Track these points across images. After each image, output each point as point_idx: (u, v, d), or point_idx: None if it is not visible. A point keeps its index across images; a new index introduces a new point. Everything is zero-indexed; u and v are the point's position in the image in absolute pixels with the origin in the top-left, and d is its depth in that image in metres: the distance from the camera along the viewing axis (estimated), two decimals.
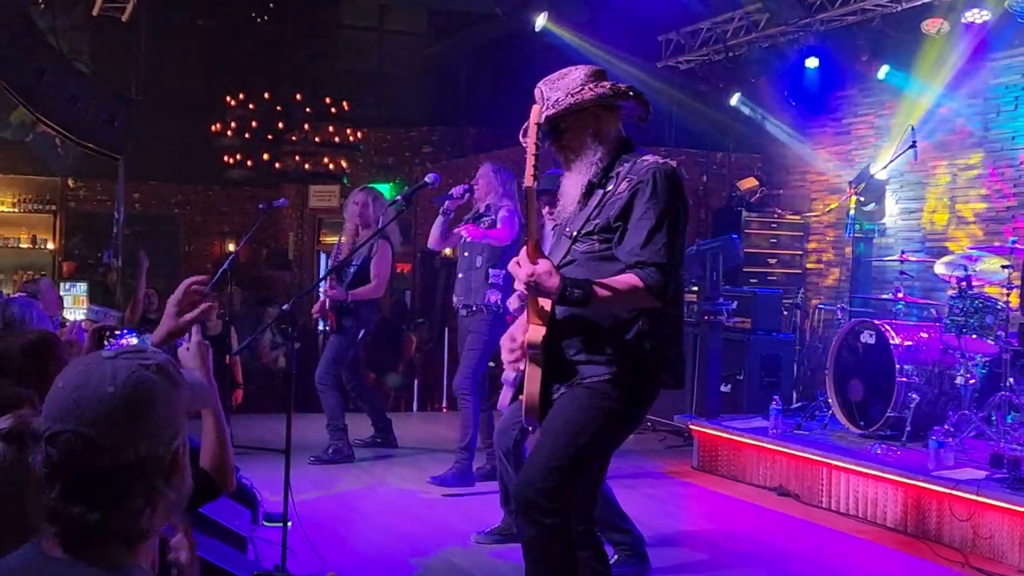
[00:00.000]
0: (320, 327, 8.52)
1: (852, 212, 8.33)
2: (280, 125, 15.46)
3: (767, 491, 7.23)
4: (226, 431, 2.96)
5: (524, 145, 3.79)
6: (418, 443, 8.45)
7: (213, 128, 15.41)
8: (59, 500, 1.73)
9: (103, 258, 15.29)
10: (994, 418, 6.64)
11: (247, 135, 15.41)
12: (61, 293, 8.87)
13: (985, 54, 8.98)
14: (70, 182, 15.69)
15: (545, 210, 5.27)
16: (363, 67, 17.71)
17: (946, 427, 6.51)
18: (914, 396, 6.89)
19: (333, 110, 15.79)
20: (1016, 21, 8.35)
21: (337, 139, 15.71)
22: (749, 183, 10.54)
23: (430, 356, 12.58)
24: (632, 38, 11.27)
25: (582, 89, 3.62)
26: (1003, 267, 6.78)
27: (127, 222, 12.17)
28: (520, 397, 3.69)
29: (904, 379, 6.94)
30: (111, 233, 12.37)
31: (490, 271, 6.88)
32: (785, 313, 9.69)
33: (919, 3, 8.93)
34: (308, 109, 15.65)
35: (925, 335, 7.22)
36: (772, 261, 10.74)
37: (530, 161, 3.45)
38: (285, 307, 4.61)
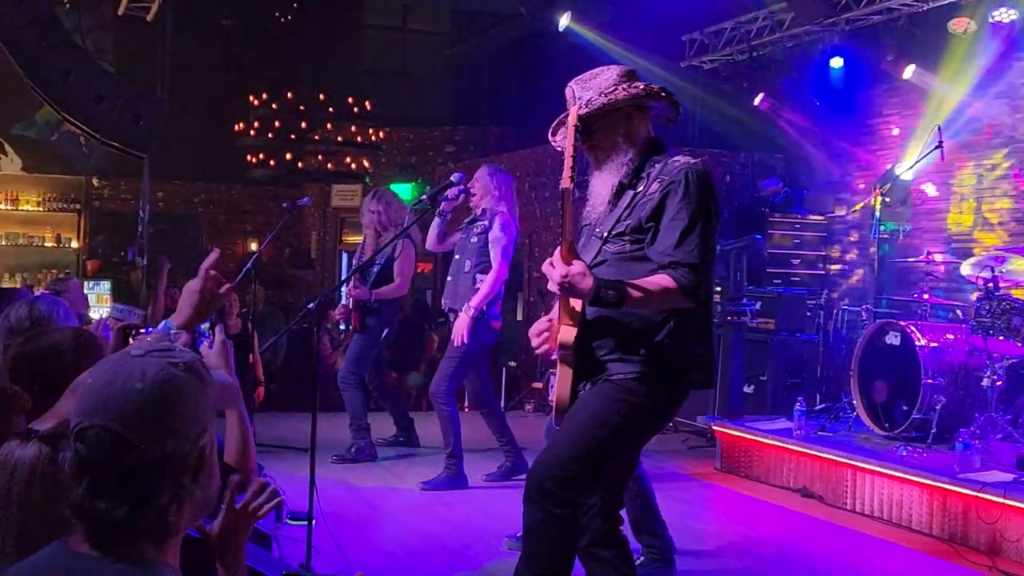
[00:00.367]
0: (341, 327, 8.53)
1: (877, 213, 8.28)
2: (303, 124, 15.49)
3: (791, 493, 7.20)
4: (249, 429, 2.96)
5: (553, 144, 3.80)
6: (440, 442, 8.42)
7: (236, 127, 15.45)
8: (87, 496, 1.74)
9: (127, 256, 15.38)
10: (1021, 420, 6.60)
11: (270, 134, 15.44)
12: (85, 292, 8.91)
13: (1012, 53, 8.91)
14: (94, 181, 15.75)
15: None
16: (386, 67, 17.71)
17: (972, 429, 6.46)
18: (940, 398, 6.84)
19: (356, 109, 15.80)
20: None
21: (359, 138, 15.73)
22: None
23: None
24: (655, 38, 11.24)
25: (615, 89, 3.62)
26: None
27: (150, 221, 12.21)
28: (551, 399, 3.70)
29: (930, 381, 6.90)
30: (135, 232, 12.43)
31: (477, 276, 6.83)
32: (808, 314, 9.64)
33: (945, 2, 8.86)
34: (331, 108, 15.68)
35: (951, 336, 7.17)
36: (795, 261, 10.69)
37: (568, 163, 3.45)
38: (311, 305, 4.62)
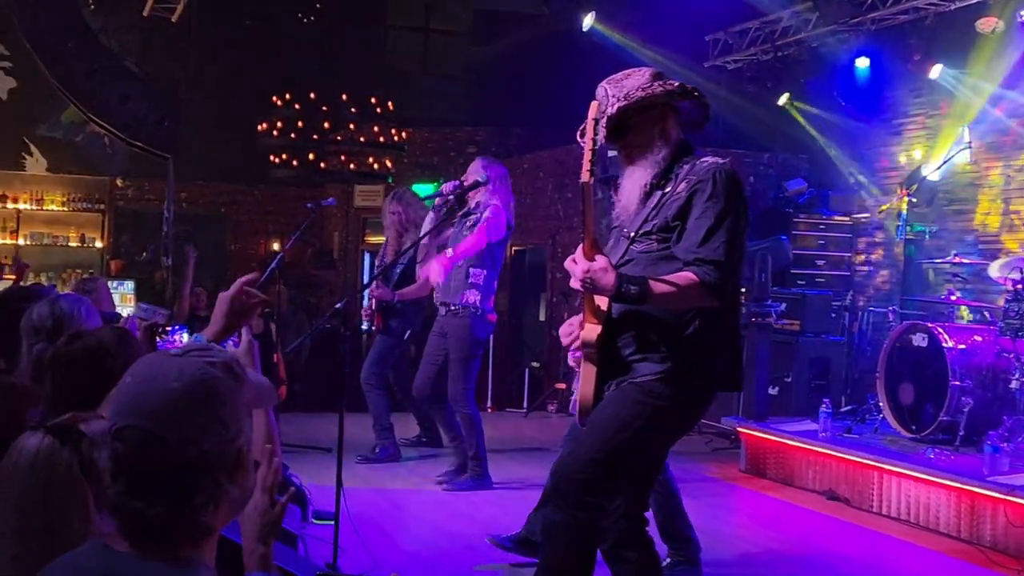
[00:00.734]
0: (364, 327, 8.53)
1: (904, 213, 8.23)
2: (326, 125, 15.50)
3: (816, 495, 7.16)
4: (275, 427, 2.97)
5: (581, 144, 3.78)
6: None
7: (259, 128, 15.48)
8: (124, 494, 1.74)
9: (147, 254, 15.46)
10: None
11: (293, 135, 15.46)
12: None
13: None
14: (119, 181, 15.80)
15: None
16: (408, 67, 17.72)
17: (1001, 431, 6.40)
18: (967, 400, 6.79)
19: (378, 110, 15.80)
20: None
21: (382, 139, 15.73)
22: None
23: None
24: (680, 38, 11.21)
25: (651, 85, 3.61)
26: None
27: (173, 221, 12.26)
28: (573, 397, 3.68)
29: (957, 383, 6.85)
30: (160, 232, 12.49)
31: (470, 270, 6.76)
32: (833, 315, 9.60)
33: (973, 2, 8.80)
34: (353, 109, 15.68)
35: (979, 338, 7.12)
36: (820, 263, 10.63)
37: (587, 156, 3.45)
38: (338, 305, 4.62)
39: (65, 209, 15.24)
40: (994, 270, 7.30)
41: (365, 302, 8.07)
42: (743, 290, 8.56)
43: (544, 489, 5.13)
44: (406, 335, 7.93)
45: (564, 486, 3.57)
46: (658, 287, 3.39)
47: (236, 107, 15.29)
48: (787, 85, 10.96)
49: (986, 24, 8.70)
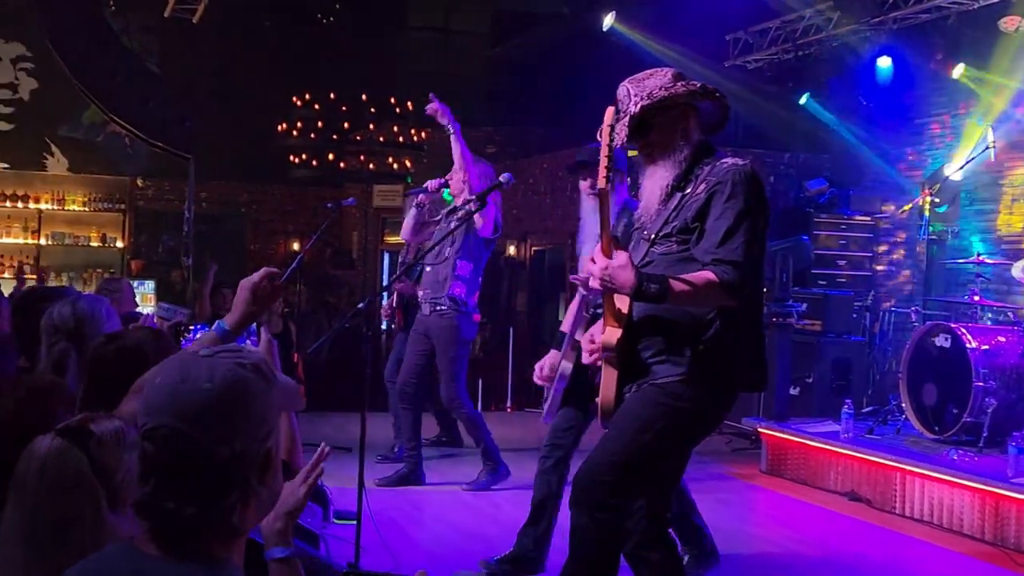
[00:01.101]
0: (384, 325, 8.55)
1: (926, 214, 8.18)
2: (345, 125, 15.54)
3: (838, 496, 7.13)
4: (295, 425, 2.98)
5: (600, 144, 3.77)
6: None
7: (279, 128, 15.53)
8: (153, 495, 1.74)
9: (162, 249, 15.54)
10: None
11: (312, 135, 15.50)
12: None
13: None
14: (139, 181, 15.89)
15: (586, 183, 5.11)
16: (428, 67, 17.74)
17: None
18: (991, 401, 6.74)
19: (397, 110, 15.82)
20: None
21: (401, 139, 15.76)
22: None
23: (494, 356, 12.57)
24: (700, 37, 11.17)
25: (674, 85, 3.60)
26: None
27: (193, 221, 12.29)
28: (598, 400, 3.67)
29: (981, 383, 6.81)
30: (180, 232, 12.53)
31: (458, 262, 6.67)
32: (854, 315, 9.55)
33: (996, 0, 8.75)
34: (372, 109, 15.71)
35: (1003, 339, 7.07)
36: (841, 263, 10.58)
37: (603, 163, 3.43)
38: (361, 305, 4.63)
39: (86, 209, 15.32)
40: (1017, 270, 7.26)
41: (385, 300, 8.06)
42: (764, 290, 8.53)
43: (532, 500, 5.14)
44: None
45: (587, 488, 3.57)
46: (678, 285, 3.38)
47: (256, 107, 15.34)
48: (808, 85, 10.91)
49: (1009, 23, 8.65)
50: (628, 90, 3.64)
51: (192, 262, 11.41)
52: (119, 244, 15.55)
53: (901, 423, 7.50)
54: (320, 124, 15.40)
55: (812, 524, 6.60)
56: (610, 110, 3.56)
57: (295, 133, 15.54)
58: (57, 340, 3.51)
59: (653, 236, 3.64)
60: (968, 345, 6.93)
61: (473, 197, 5.89)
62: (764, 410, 8.24)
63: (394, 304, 7.78)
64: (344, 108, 15.57)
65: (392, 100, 15.80)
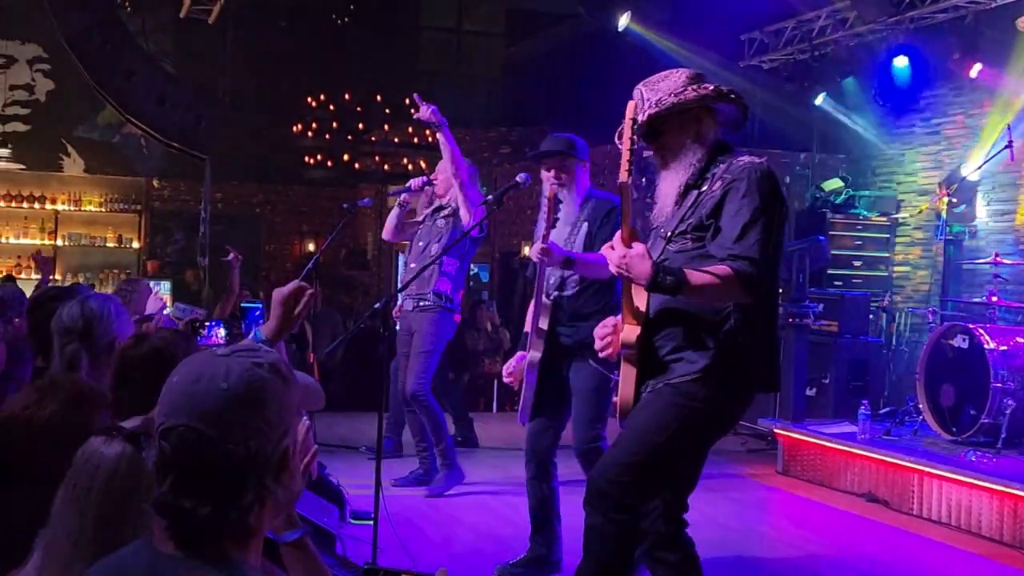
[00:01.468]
0: (398, 327, 8.54)
1: (943, 214, 8.14)
2: (360, 126, 15.55)
3: (855, 497, 7.10)
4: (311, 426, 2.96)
5: (618, 146, 3.77)
6: (500, 443, 8.43)
7: (294, 128, 15.56)
8: (170, 494, 1.74)
9: (169, 248, 15.59)
10: None
11: (327, 136, 15.52)
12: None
13: None
14: (155, 182, 15.95)
15: (550, 174, 5.07)
16: (442, 67, 17.76)
17: None
18: (1009, 402, 6.71)
19: (412, 111, 15.80)
20: None
21: (416, 139, 15.75)
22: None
23: (509, 356, 12.53)
24: (715, 37, 11.15)
25: (685, 90, 3.60)
26: None
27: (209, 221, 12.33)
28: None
29: (999, 384, 6.77)
30: (196, 232, 12.56)
31: (444, 259, 6.60)
32: (871, 316, 9.51)
33: None
34: (387, 110, 15.70)
35: (1021, 340, 7.03)
36: (857, 263, 10.53)
37: (625, 156, 3.44)
38: (377, 306, 4.62)
39: (102, 210, 15.39)
40: None
41: (400, 300, 8.05)
42: (780, 291, 8.51)
43: (529, 508, 5.17)
44: None
45: (603, 489, 3.56)
46: (694, 277, 3.38)
47: (271, 108, 15.38)
48: (824, 85, 10.87)
49: None
50: (642, 94, 3.65)
51: (208, 262, 11.43)
52: (135, 245, 15.61)
53: (918, 424, 7.47)
54: (335, 125, 15.41)
55: (828, 525, 6.57)
56: (631, 104, 3.55)
57: (310, 134, 15.55)
58: (69, 341, 3.52)
59: (669, 234, 3.65)
60: (986, 346, 6.90)
61: (489, 197, 5.87)
62: (780, 411, 8.22)
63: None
64: (359, 109, 15.58)
65: (407, 101, 15.72)
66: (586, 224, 4.92)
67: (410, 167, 15.70)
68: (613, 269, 3.46)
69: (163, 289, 13.51)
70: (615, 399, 3.69)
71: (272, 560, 2.28)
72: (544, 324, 4.89)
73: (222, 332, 5.68)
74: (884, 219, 10.61)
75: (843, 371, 8.87)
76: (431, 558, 5.32)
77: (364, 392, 10.01)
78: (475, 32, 18.34)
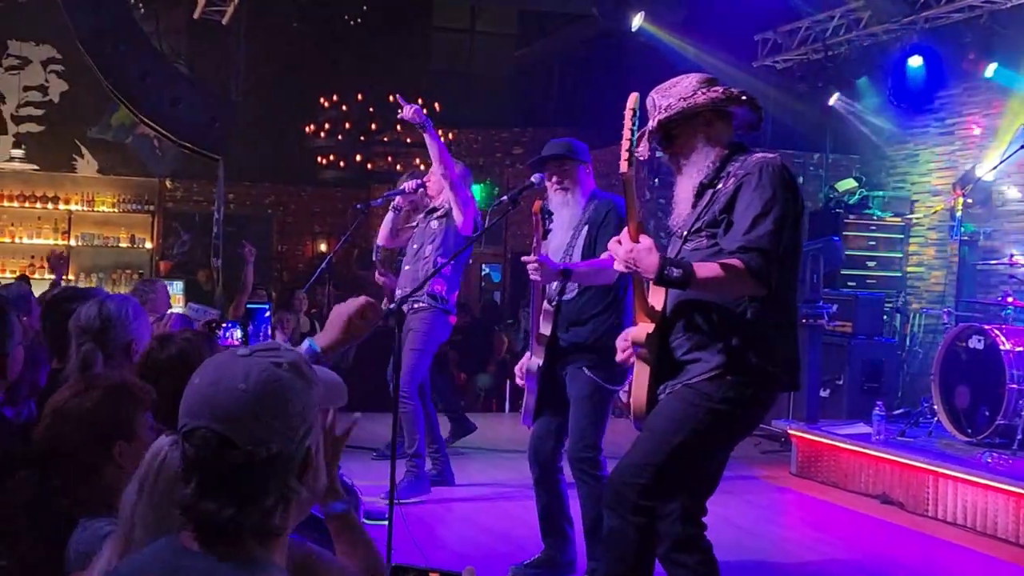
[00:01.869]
0: None
1: (958, 214, 8.11)
2: (372, 126, 15.56)
3: (869, 498, 7.08)
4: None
5: (636, 155, 3.76)
6: (513, 444, 8.42)
7: (307, 129, 15.58)
8: (194, 495, 1.74)
9: (175, 250, 15.62)
10: None
11: (340, 136, 15.53)
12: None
13: None
14: (167, 183, 15.98)
15: (554, 179, 5.04)
16: (454, 68, 17.77)
17: None
18: None
19: (425, 111, 15.82)
20: None
21: None
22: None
23: (521, 357, 12.53)
24: (728, 38, 11.12)
25: (694, 94, 3.61)
26: None
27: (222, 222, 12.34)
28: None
29: (1015, 385, 6.75)
30: (209, 232, 12.58)
31: (438, 259, 6.57)
32: (885, 317, 9.48)
33: None
34: (400, 110, 15.71)
35: None
36: (871, 264, 10.50)
37: (624, 146, 3.43)
38: (392, 307, 4.62)
39: (115, 210, 15.41)
40: None
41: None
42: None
43: (538, 512, 5.13)
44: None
45: (621, 491, 3.55)
46: (701, 270, 3.37)
47: (284, 109, 15.40)
48: (838, 85, 10.85)
49: None
50: (654, 100, 3.66)
51: (221, 263, 11.45)
52: (148, 245, 15.63)
53: (933, 425, 7.44)
54: (347, 125, 15.43)
55: (843, 526, 6.55)
56: (633, 95, 3.54)
57: (323, 134, 15.58)
58: (84, 341, 3.53)
59: (685, 233, 3.65)
60: (1002, 347, 6.87)
61: (504, 197, 5.86)
62: (794, 412, 8.20)
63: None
64: (371, 109, 15.59)
65: (419, 101, 15.77)
66: (587, 226, 4.90)
67: (422, 167, 15.68)
68: (620, 265, 3.45)
69: (175, 289, 13.56)
70: (627, 400, 3.68)
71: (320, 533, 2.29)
72: (546, 330, 4.88)
73: (239, 334, 5.69)
74: (898, 219, 10.58)
75: (857, 372, 8.84)
76: (445, 559, 5.31)
77: (377, 392, 10.00)
78: (487, 33, 18.34)
